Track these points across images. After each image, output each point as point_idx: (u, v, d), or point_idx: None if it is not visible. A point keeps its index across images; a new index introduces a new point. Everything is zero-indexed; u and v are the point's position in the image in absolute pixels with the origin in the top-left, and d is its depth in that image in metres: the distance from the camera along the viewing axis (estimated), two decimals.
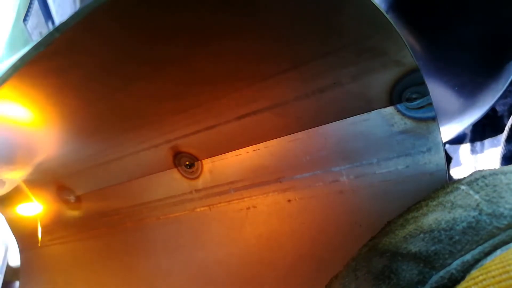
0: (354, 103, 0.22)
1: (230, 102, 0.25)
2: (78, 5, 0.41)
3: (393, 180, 0.22)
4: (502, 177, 0.17)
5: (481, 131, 0.43)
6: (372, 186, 0.23)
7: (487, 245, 0.15)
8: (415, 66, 0.19)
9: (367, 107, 0.22)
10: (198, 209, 0.31)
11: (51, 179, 0.39)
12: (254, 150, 0.27)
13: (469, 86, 0.39)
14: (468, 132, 0.43)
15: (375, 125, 0.22)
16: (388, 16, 0.18)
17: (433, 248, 0.16)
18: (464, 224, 0.16)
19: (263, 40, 0.20)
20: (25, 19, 0.44)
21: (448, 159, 0.46)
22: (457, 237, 0.15)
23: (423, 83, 0.20)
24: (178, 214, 0.33)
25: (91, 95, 0.25)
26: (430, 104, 0.20)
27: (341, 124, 0.23)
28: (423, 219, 0.17)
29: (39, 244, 0.45)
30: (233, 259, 0.30)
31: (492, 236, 0.15)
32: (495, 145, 0.41)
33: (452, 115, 0.40)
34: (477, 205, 0.16)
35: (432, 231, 0.16)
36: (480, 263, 0.14)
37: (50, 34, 0.17)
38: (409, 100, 0.20)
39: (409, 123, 0.21)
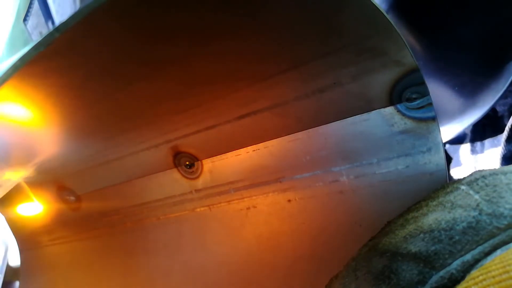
0: (354, 103, 0.22)
1: (230, 102, 0.25)
2: (78, 5, 0.41)
3: (393, 180, 0.22)
4: (502, 177, 0.17)
5: (481, 131, 0.42)
6: (372, 186, 0.23)
7: (487, 245, 0.15)
8: (415, 66, 0.19)
9: (367, 107, 0.22)
10: (198, 209, 0.31)
11: (51, 179, 0.39)
12: (254, 150, 0.27)
13: (469, 86, 0.39)
14: (468, 132, 0.43)
15: (375, 125, 0.22)
16: (388, 16, 0.18)
17: (433, 248, 0.16)
18: (464, 224, 0.16)
19: (263, 40, 0.20)
20: (25, 19, 0.44)
21: (448, 159, 0.46)
22: (457, 237, 0.15)
23: (423, 83, 0.20)
24: (178, 214, 0.33)
25: (91, 95, 0.25)
26: (430, 104, 0.20)
27: (341, 124, 0.23)
28: (423, 219, 0.17)
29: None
30: (233, 259, 0.30)
31: (492, 236, 0.15)
32: (495, 145, 0.41)
33: (452, 115, 0.40)
34: (477, 205, 0.16)
35: (432, 231, 0.16)
36: (480, 263, 0.14)
37: (50, 34, 0.17)
38: (409, 100, 0.20)
39: (409, 123, 0.21)
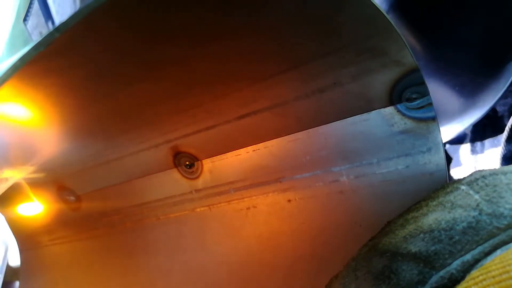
0: (354, 103, 0.22)
1: (230, 102, 0.25)
2: (78, 5, 0.41)
3: (393, 180, 0.22)
4: (502, 177, 0.17)
5: (481, 131, 0.42)
6: (372, 186, 0.23)
7: (487, 245, 0.15)
8: (415, 66, 0.19)
9: (367, 107, 0.22)
10: (198, 209, 0.31)
11: (51, 179, 0.39)
12: (254, 150, 0.27)
13: (469, 86, 0.39)
14: (468, 132, 0.43)
15: (375, 125, 0.22)
16: (388, 16, 0.18)
17: (433, 248, 0.16)
18: (464, 224, 0.16)
19: (263, 40, 0.20)
20: (25, 19, 0.44)
21: (448, 159, 0.46)
22: (457, 237, 0.15)
23: (423, 83, 0.20)
24: (178, 214, 0.33)
25: (91, 95, 0.25)
26: (430, 104, 0.20)
27: (341, 124, 0.23)
28: (423, 219, 0.17)
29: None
30: (233, 259, 0.30)
31: (492, 236, 0.15)
32: (495, 145, 0.41)
33: (453, 115, 0.40)
34: (477, 205, 0.16)
35: (432, 231, 0.16)
36: (480, 263, 0.14)
37: (50, 34, 0.17)
38: (409, 100, 0.20)
39: (409, 123, 0.21)
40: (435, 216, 0.17)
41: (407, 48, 0.19)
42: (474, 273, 0.14)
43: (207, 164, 0.29)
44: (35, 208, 0.43)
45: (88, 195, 0.38)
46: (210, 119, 0.27)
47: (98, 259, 0.41)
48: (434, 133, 0.20)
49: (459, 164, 0.45)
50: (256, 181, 0.27)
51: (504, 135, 0.36)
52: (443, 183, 0.20)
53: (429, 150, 0.21)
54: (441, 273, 0.15)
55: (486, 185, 0.17)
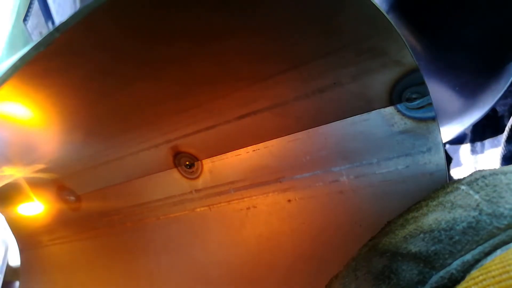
0: (354, 103, 0.22)
1: (230, 102, 0.25)
2: (78, 5, 0.41)
3: (393, 180, 0.22)
4: (502, 177, 0.17)
5: (481, 132, 0.43)
6: (372, 186, 0.23)
7: (487, 245, 0.15)
8: (415, 66, 0.19)
9: (367, 107, 0.22)
10: (198, 209, 0.31)
11: (51, 179, 0.39)
12: (254, 150, 0.27)
13: (469, 87, 0.39)
14: (469, 132, 0.43)
15: (375, 125, 0.22)
16: (388, 16, 0.18)
17: (433, 248, 0.16)
18: (464, 224, 0.16)
19: (263, 40, 0.20)
20: (25, 19, 0.44)
21: (449, 159, 0.46)
22: (457, 237, 0.15)
23: (423, 83, 0.20)
24: (178, 214, 0.33)
25: (91, 95, 0.25)
26: (430, 104, 0.20)
27: (341, 124, 0.23)
28: (423, 219, 0.17)
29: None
30: (233, 259, 0.30)
31: (492, 236, 0.15)
32: (495, 146, 0.41)
33: (453, 116, 0.40)
34: (477, 205, 0.16)
35: (432, 231, 0.16)
36: (480, 263, 0.14)
37: (50, 34, 0.17)
38: (409, 100, 0.20)
39: (409, 123, 0.21)
40: (435, 216, 0.17)
41: (407, 48, 0.19)
42: (474, 273, 0.14)
43: (207, 164, 0.29)
44: (35, 208, 0.43)
45: (88, 195, 0.38)
46: (210, 119, 0.27)
47: (98, 259, 0.41)
48: (434, 133, 0.20)
49: (459, 164, 0.45)
50: (256, 181, 0.27)
51: (504, 135, 0.36)
52: (443, 183, 0.20)
53: (429, 150, 0.21)
54: (441, 273, 0.15)
55: (486, 185, 0.17)
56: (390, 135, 0.22)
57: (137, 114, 0.27)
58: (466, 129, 0.39)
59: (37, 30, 0.43)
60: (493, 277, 0.13)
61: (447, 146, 0.46)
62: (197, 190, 0.31)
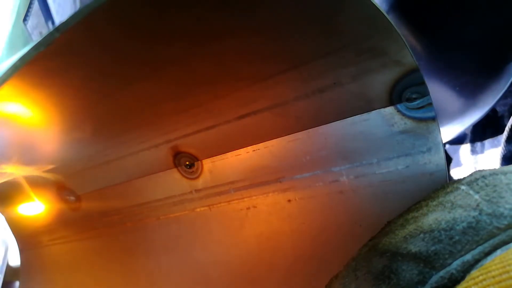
0: (354, 103, 0.22)
1: (230, 102, 0.25)
2: (78, 5, 0.41)
3: (393, 180, 0.22)
4: (502, 177, 0.17)
5: (481, 132, 0.43)
6: (372, 186, 0.23)
7: (487, 245, 0.15)
8: (415, 66, 0.19)
9: (367, 107, 0.22)
10: (198, 209, 0.31)
11: (51, 179, 0.39)
12: (254, 150, 0.27)
13: (469, 87, 0.39)
14: (469, 132, 0.43)
15: (375, 125, 0.22)
16: (388, 16, 0.18)
17: (433, 248, 0.16)
18: (464, 224, 0.16)
19: (263, 40, 0.20)
20: (25, 19, 0.44)
21: (449, 159, 0.46)
22: (457, 237, 0.15)
23: (423, 83, 0.20)
24: (178, 214, 0.33)
25: (91, 95, 0.25)
26: (430, 104, 0.20)
27: (341, 124, 0.23)
28: (423, 219, 0.17)
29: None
30: (233, 259, 0.30)
31: (492, 236, 0.15)
32: (495, 146, 0.41)
33: (453, 116, 0.40)
34: (477, 205, 0.16)
35: (432, 231, 0.16)
36: (480, 263, 0.14)
37: (50, 34, 0.17)
38: (409, 100, 0.20)
39: (409, 123, 0.21)
40: (435, 216, 0.17)
41: (407, 48, 0.19)
42: (474, 273, 0.14)
43: (207, 164, 0.29)
44: (35, 208, 0.43)
45: (88, 195, 0.38)
46: (210, 119, 0.27)
47: (98, 259, 0.41)
48: (434, 133, 0.20)
49: (459, 164, 0.45)
50: (256, 181, 0.27)
51: (504, 135, 0.36)
52: (443, 183, 0.20)
53: (429, 150, 0.21)
54: (441, 273, 0.15)
55: (486, 185, 0.17)
56: (390, 135, 0.22)
57: (137, 114, 0.27)
58: (466, 129, 0.39)
59: (37, 30, 0.43)
60: (493, 277, 0.13)
61: (447, 146, 0.46)
62: (197, 190, 0.31)
